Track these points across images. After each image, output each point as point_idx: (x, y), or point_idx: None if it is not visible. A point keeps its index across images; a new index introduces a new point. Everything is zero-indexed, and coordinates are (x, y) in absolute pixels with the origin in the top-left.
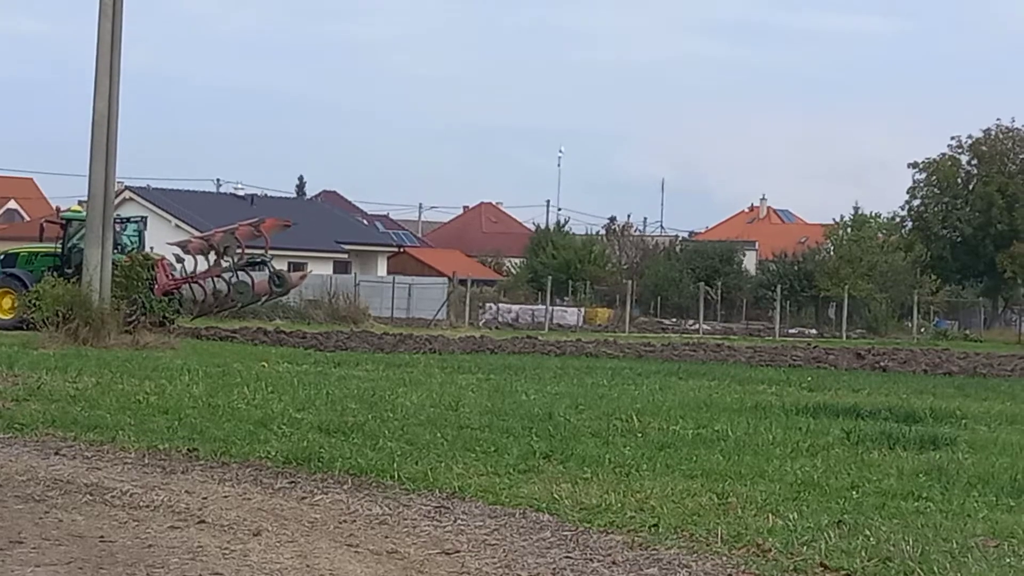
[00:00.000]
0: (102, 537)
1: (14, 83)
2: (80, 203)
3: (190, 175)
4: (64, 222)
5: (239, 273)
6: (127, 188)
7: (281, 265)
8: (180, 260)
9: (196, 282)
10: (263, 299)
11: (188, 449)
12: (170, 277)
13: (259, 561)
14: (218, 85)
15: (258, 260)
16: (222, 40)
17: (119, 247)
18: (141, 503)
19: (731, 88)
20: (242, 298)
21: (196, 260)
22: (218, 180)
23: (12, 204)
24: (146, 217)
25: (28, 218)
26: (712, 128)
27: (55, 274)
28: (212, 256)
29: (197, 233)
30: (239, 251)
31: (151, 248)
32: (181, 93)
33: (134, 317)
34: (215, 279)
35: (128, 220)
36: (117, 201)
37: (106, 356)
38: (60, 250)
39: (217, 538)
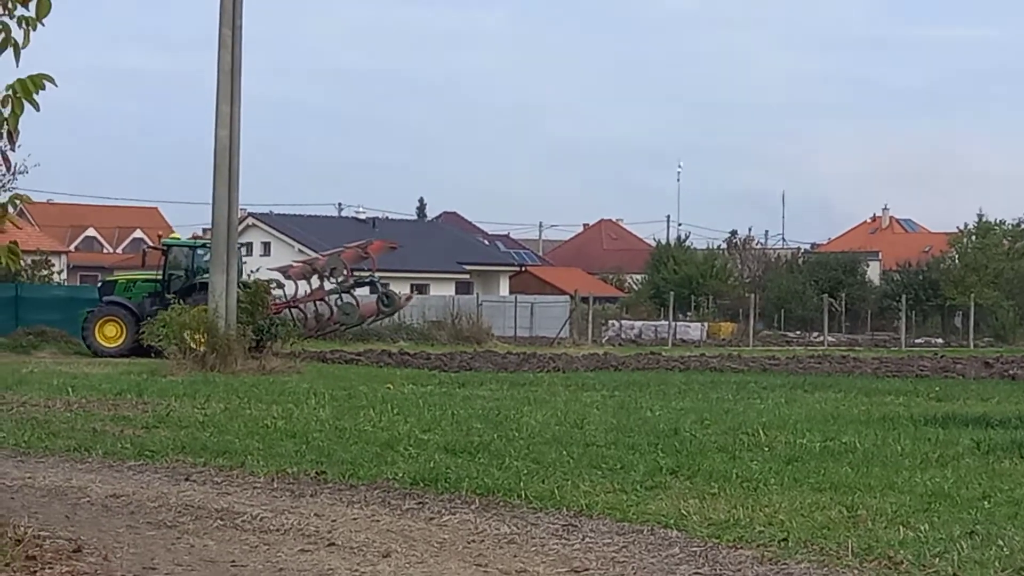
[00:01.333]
0: (234, 562)
1: (139, 116)
2: (204, 231)
3: (312, 200)
4: (165, 249)
5: (344, 295)
6: (250, 215)
7: (403, 287)
8: (280, 285)
9: (296, 306)
10: (371, 320)
11: (316, 472)
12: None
13: None
14: (338, 112)
15: (367, 281)
16: (341, 69)
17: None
18: (271, 527)
19: (850, 100)
20: (348, 319)
21: (297, 285)
22: (339, 204)
23: (138, 233)
24: (247, 243)
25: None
26: (832, 140)
27: (156, 301)
28: (315, 280)
29: (315, 254)
30: (345, 273)
31: (251, 273)
32: (302, 120)
33: (260, 342)
34: (317, 303)
35: (207, 244)
36: (240, 227)
37: (233, 382)
38: (161, 276)
39: (347, 560)
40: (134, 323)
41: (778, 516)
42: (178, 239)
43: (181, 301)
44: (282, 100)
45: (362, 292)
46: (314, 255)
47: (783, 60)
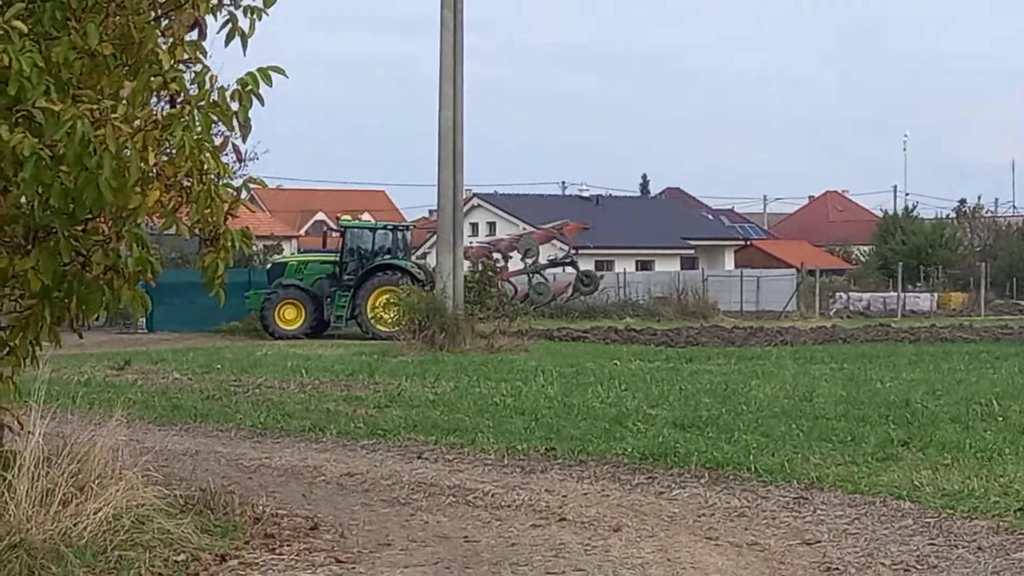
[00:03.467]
0: (467, 537)
1: (367, 102)
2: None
3: (537, 179)
4: (342, 230)
5: (537, 275)
6: (475, 195)
7: (628, 263)
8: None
9: (508, 280)
10: (567, 297)
11: (546, 449)
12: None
13: (621, 556)
14: (556, 92)
15: (567, 261)
16: (565, 48)
17: (387, 252)
18: (503, 503)
19: None
20: (541, 298)
21: (478, 264)
22: (563, 183)
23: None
24: (409, 225)
25: None
26: None
27: (333, 282)
28: (499, 260)
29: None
30: (537, 253)
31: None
32: (522, 101)
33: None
34: (503, 282)
35: (387, 227)
36: (465, 208)
37: (462, 361)
38: (339, 258)
39: (578, 535)
40: (312, 305)
41: (1013, 486)
42: (355, 221)
43: (362, 283)
44: (503, 81)
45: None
46: (498, 237)
47: (1009, 23)
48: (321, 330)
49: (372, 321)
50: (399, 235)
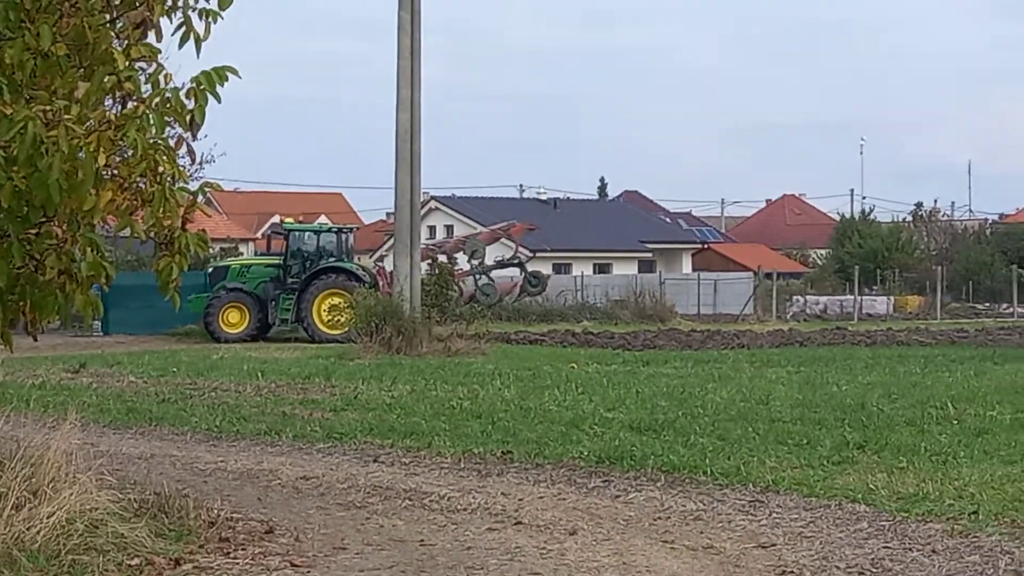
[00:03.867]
0: (422, 541)
1: (322, 102)
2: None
3: (493, 182)
4: (286, 233)
5: (483, 276)
6: (432, 198)
7: (586, 266)
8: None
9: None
10: (515, 298)
11: (502, 452)
12: (388, 284)
13: (576, 560)
14: (514, 94)
15: (514, 262)
16: (516, 51)
17: (331, 255)
18: (459, 506)
19: None
20: (488, 299)
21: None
22: (521, 186)
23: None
24: (350, 227)
25: None
26: (1018, 108)
27: (277, 285)
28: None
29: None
30: (484, 255)
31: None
32: (479, 104)
33: (445, 324)
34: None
35: (331, 229)
36: (423, 211)
37: (419, 364)
38: (283, 261)
39: (534, 538)
40: (257, 308)
41: (968, 489)
42: (298, 223)
43: (307, 286)
44: (458, 84)
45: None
46: (442, 238)
47: (963, 28)
48: (264, 332)
49: (318, 324)
50: (343, 237)
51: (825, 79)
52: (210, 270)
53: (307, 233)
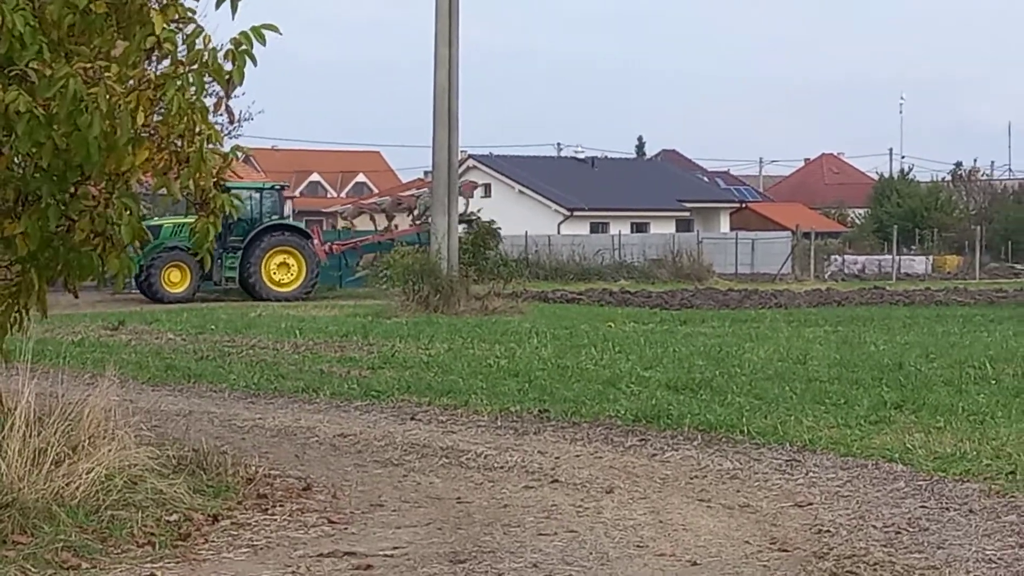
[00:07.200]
0: (459, 498)
1: (362, 63)
2: (426, 174)
3: (531, 141)
4: (225, 191)
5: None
6: (470, 156)
7: (624, 225)
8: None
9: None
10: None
11: (539, 410)
12: (322, 243)
13: (613, 518)
14: (556, 55)
15: (470, 219)
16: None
17: (273, 213)
18: (495, 464)
19: None
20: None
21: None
22: (559, 144)
23: (361, 177)
24: (285, 184)
25: (376, 190)
26: None
27: (218, 244)
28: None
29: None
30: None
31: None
32: (520, 65)
33: (482, 283)
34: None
35: (273, 187)
36: (461, 169)
37: (456, 322)
38: (223, 220)
39: (570, 496)
40: (198, 266)
41: (1005, 449)
42: (236, 182)
43: (252, 244)
44: (501, 44)
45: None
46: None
47: None
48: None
49: (267, 283)
50: (280, 195)
51: (865, 37)
52: None
53: (247, 191)
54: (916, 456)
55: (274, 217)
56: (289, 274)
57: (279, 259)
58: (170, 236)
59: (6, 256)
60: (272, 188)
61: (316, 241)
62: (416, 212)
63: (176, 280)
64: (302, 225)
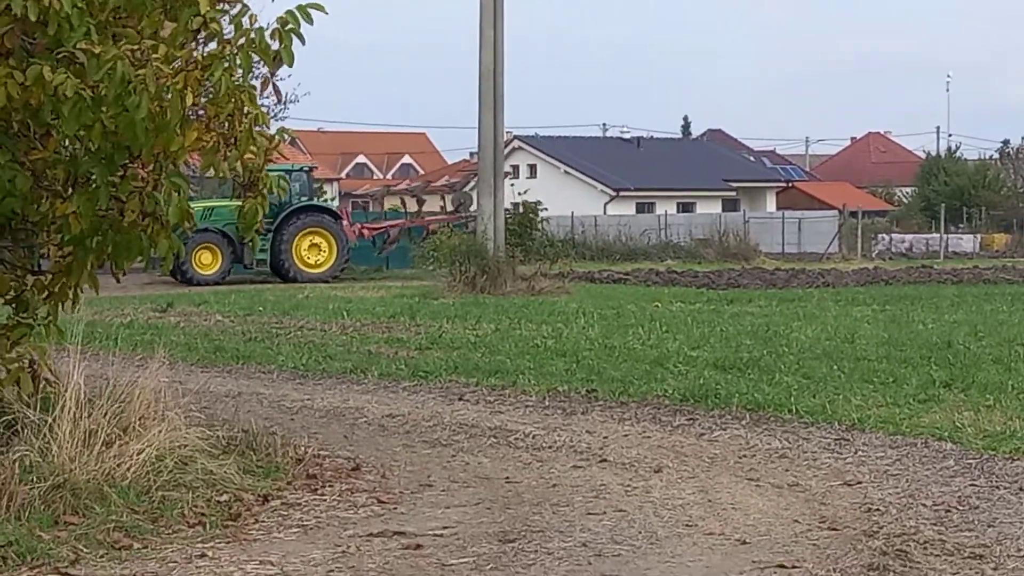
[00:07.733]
0: (508, 478)
1: (409, 46)
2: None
3: (577, 121)
4: None
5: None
6: (516, 137)
7: (670, 205)
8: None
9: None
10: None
11: (587, 390)
12: (351, 225)
13: (661, 497)
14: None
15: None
16: None
17: (303, 195)
18: (544, 444)
19: None
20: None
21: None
22: (604, 125)
23: (407, 159)
24: (314, 165)
25: (422, 171)
26: None
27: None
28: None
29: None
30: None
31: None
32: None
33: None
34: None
35: (302, 168)
36: (506, 150)
37: (503, 303)
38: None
39: (619, 476)
40: (229, 248)
41: None
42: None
43: (283, 226)
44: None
45: None
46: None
47: None
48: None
49: (299, 264)
50: (310, 177)
51: (912, 15)
52: None
53: (275, 173)
54: (965, 434)
55: (303, 199)
56: (320, 255)
57: (310, 240)
58: (201, 219)
59: (58, 236)
60: (301, 170)
61: (345, 223)
62: (450, 205)
63: (207, 262)
64: (333, 206)
